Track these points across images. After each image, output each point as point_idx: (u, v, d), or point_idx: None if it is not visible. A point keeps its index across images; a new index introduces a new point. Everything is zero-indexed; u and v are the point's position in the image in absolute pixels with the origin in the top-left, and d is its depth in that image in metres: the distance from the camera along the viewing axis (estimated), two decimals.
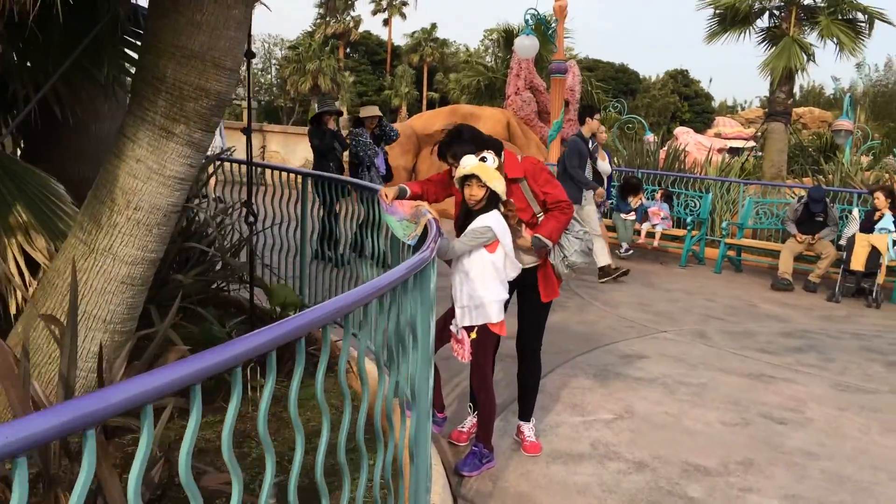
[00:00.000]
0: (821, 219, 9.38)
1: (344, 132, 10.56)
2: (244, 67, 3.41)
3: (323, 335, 1.87)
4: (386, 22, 60.08)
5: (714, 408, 4.80)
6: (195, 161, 3.26)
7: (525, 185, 3.80)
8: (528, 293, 3.88)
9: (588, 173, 8.33)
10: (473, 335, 3.61)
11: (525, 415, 4.10)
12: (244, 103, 27.26)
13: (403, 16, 59.99)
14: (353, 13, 56.55)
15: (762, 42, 12.94)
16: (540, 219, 3.91)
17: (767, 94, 13.02)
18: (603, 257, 8.78)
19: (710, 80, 64.19)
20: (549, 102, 15.75)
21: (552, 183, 3.83)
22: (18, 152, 4.98)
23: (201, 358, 1.38)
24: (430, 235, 2.92)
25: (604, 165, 9.04)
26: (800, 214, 9.43)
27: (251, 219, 3.86)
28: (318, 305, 1.82)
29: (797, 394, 5.16)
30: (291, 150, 17.55)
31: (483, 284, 3.54)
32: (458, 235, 3.63)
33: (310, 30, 56.15)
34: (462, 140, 3.76)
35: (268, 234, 5.88)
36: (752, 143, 28.37)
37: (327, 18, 55.09)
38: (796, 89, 14.52)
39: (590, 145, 8.45)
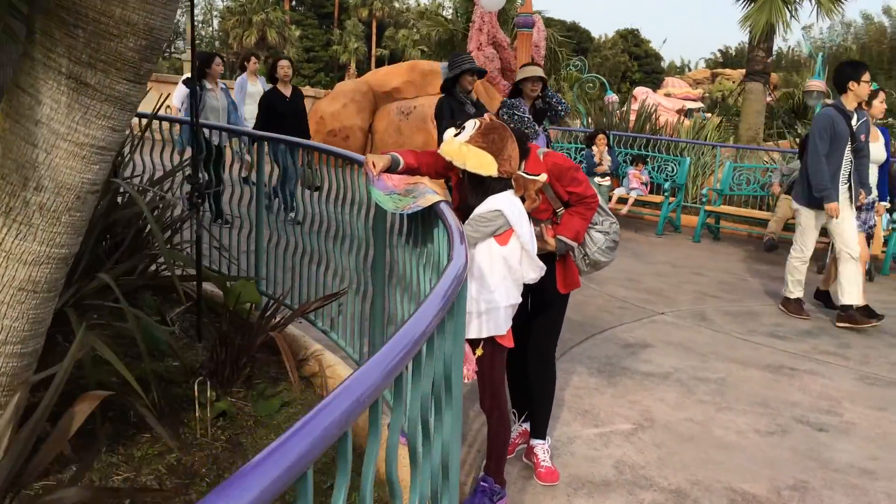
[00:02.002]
0: None
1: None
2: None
3: (372, 418, 1.12)
4: None
5: (742, 411, 4.17)
6: (119, 122, 2.41)
7: (548, 186, 3.07)
8: (540, 283, 3.08)
9: (845, 163, 5.86)
10: (479, 351, 2.85)
11: (538, 432, 3.40)
12: (185, 56, 25.50)
13: None
14: None
15: None
16: (560, 214, 3.18)
17: (746, 51, 12.43)
18: (851, 291, 5.98)
19: (664, 41, 63.66)
20: (514, 58, 14.91)
21: (577, 181, 3.11)
22: None
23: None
24: (453, 232, 2.10)
25: (877, 150, 6.56)
26: (793, 177, 8.86)
27: (198, 199, 2.99)
28: (358, 374, 1.06)
29: (826, 390, 4.57)
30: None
31: (491, 286, 2.76)
32: (462, 222, 2.85)
33: None
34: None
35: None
36: (699, 104, 28.10)
37: None
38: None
39: (853, 121, 5.87)
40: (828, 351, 5.35)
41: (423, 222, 2.78)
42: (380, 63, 54.39)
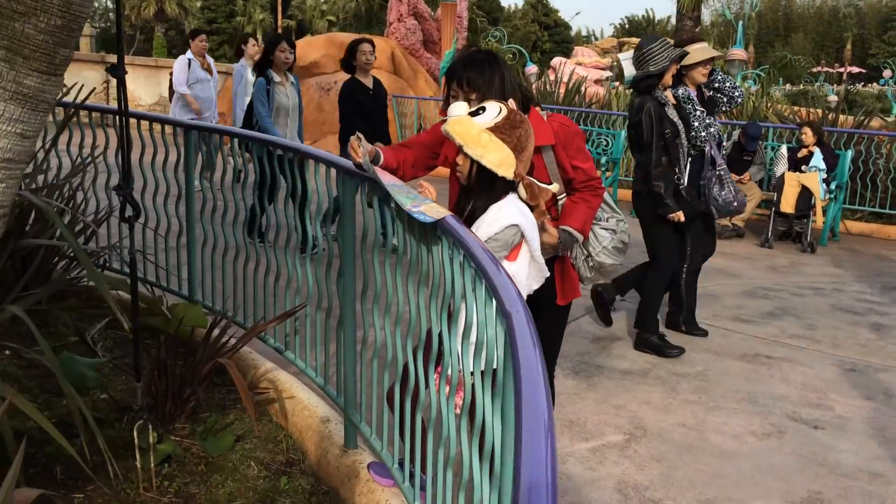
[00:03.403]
0: (748, 157, 8.78)
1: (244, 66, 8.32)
2: None
3: None
4: None
5: (733, 411, 3.91)
6: (30, 126, 1.86)
7: (551, 155, 2.62)
8: (537, 295, 2.67)
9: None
10: (473, 378, 2.42)
11: None
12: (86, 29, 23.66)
13: None
14: None
15: None
16: (561, 203, 2.76)
17: (675, 21, 12.29)
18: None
19: (577, 13, 63.80)
20: (437, 30, 14.41)
21: (584, 153, 2.69)
22: None
23: None
24: (500, 289, 1.55)
25: None
26: (728, 153, 8.76)
27: (130, 212, 2.41)
28: None
29: (808, 380, 4.37)
30: (142, 85, 15.27)
31: None
32: None
33: None
34: (475, 64, 2.53)
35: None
36: (609, 73, 28.28)
37: None
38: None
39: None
40: (796, 334, 5.18)
41: (411, 228, 2.31)
42: (286, 34, 52.63)
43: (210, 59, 9.11)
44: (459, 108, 2.40)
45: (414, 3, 14.54)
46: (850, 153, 8.64)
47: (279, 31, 52.38)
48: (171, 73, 9.12)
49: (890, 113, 15.94)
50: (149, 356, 3.31)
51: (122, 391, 3.39)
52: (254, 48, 8.87)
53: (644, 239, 4.75)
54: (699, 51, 4.54)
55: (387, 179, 2.32)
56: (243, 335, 3.42)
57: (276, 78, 6.17)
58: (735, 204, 4.80)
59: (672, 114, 4.44)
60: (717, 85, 4.73)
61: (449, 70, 2.68)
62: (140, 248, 3.41)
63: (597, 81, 22.78)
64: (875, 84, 28.68)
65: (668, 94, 4.47)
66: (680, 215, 4.46)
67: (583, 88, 12.61)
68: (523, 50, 20.62)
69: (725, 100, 4.76)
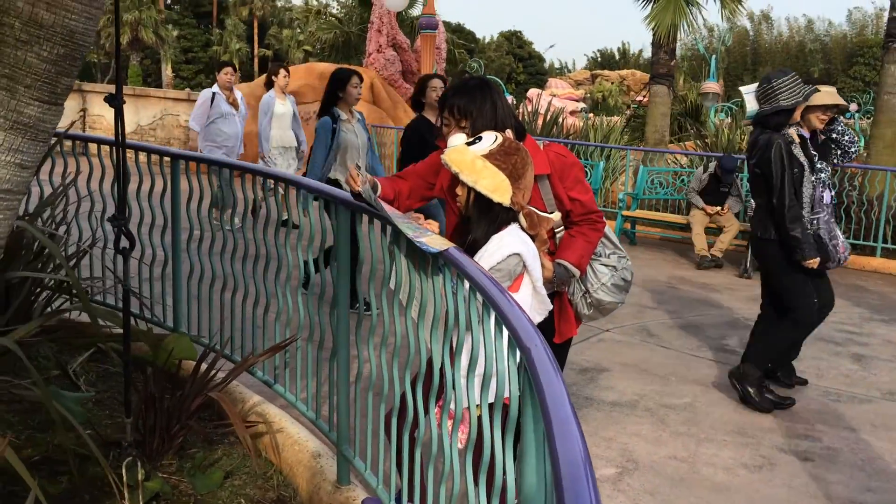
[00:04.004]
0: (726, 189, 8.89)
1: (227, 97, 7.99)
2: None
3: None
4: None
5: (722, 443, 3.91)
6: (29, 157, 1.82)
7: (546, 185, 2.62)
8: None
9: None
10: (479, 411, 2.39)
11: None
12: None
13: None
14: None
15: None
16: (559, 236, 2.76)
17: (650, 55, 12.51)
18: None
19: (552, 46, 64.89)
20: (416, 61, 14.52)
21: (583, 184, 2.68)
22: None
23: None
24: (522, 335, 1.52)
25: None
26: (705, 185, 8.88)
27: (125, 245, 2.37)
28: None
29: (795, 411, 4.38)
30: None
31: None
32: None
33: None
34: (465, 92, 2.54)
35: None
36: (582, 105, 28.70)
37: None
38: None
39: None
40: None
41: (411, 257, 2.30)
42: (263, 64, 52.72)
43: (238, 94, 8.57)
44: (458, 139, 2.42)
45: (393, 35, 14.65)
46: None
47: (256, 61, 52.47)
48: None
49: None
50: (136, 390, 3.24)
51: (107, 426, 3.31)
52: (284, 79, 8.58)
53: (769, 292, 4.45)
54: (827, 94, 4.33)
55: (387, 209, 2.31)
56: (233, 369, 3.36)
57: (343, 116, 5.66)
58: (847, 254, 4.35)
59: (799, 153, 4.11)
60: (835, 135, 4.52)
61: (441, 98, 2.70)
62: (123, 278, 3.35)
63: (572, 112, 23.09)
64: (842, 118, 29.36)
65: (793, 131, 4.18)
66: (816, 261, 4.10)
67: (560, 119, 12.74)
68: (500, 81, 20.87)
69: (840, 152, 4.53)
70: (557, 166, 2.62)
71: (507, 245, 2.25)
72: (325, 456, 3.09)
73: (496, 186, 2.23)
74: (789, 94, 4.05)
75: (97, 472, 2.94)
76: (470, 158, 2.26)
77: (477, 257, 2.26)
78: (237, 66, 49.72)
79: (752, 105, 4.23)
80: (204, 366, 3.30)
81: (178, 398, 3.14)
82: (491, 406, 1.84)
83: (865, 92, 26.90)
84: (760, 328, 4.59)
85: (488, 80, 2.68)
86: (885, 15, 10.05)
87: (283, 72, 8.61)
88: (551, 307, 2.46)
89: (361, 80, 5.89)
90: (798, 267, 4.16)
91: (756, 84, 4.24)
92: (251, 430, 3.36)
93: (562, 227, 2.73)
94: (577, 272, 2.66)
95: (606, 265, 2.78)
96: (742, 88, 4.35)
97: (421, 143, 5.25)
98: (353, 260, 2.80)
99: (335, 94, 5.64)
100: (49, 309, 3.83)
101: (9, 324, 3.26)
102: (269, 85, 8.62)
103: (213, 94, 8.31)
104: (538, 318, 2.44)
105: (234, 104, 8.45)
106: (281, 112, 8.57)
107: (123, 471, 2.73)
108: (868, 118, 19.14)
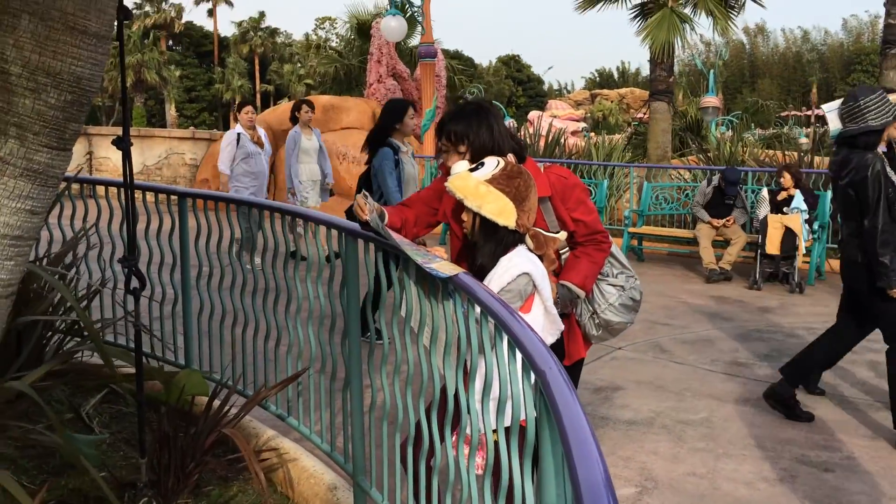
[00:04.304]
0: (730, 201, 8.89)
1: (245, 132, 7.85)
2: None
3: None
4: (210, 12, 56.54)
5: (741, 457, 3.88)
6: (39, 203, 1.85)
7: (548, 206, 2.63)
8: None
9: None
10: (495, 436, 2.39)
11: None
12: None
13: (230, 3, 56.63)
14: (173, 1, 52.67)
15: (636, 17, 12.44)
16: (564, 258, 2.76)
17: (648, 73, 12.58)
18: None
19: (550, 68, 65.41)
20: (416, 90, 14.63)
21: (586, 205, 2.68)
22: None
23: None
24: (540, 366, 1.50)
25: None
26: (710, 198, 8.88)
27: (135, 285, 2.38)
28: None
29: (811, 422, 4.35)
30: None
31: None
32: None
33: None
34: (462, 117, 2.55)
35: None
36: (583, 125, 28.81)
37: (145, 9, 50.88)
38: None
39: None
40: None
41: (420, 284, 2.31)
42: (265, 99, 53.22)
43: (261, 131, 8.53)
44: (461, 166, 2.45)
45: (392, 64, 14.79)
46: (829, 194, 8.77)
47: (258, 96, 52.93)
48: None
49: None
50: (150, 429, 3.24)
51: (122, 467, 3.31)
52: (307, 114, 8.52)
53: (868, 316, 4.24)
54: None
55: (395, 237, 2.33)
56: (245, 403, 3.36)
57: (403, 148, 5.48)
58: None
59: (890, 172, 3.92)
60: None
61: (438, 124, 2.72)
62: (134, 317, 3.37)
63: (573, 133, 23.19)
64: None
65: (879, 150, 3.99)
66: None
67: (562, 140, 12.79)
68: (501, 105, 20.99)
69: None
70: (559, 188, 2.62)
71: (517, 265, 2.27)
72: (341, 488, 3.08)
73: (501, 210, 2.25)
74: (878, 113, 3.86)
75: None
76: (473, 184, 2.29)
77: (486, 280, 2.27)
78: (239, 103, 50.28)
79: (835, 124, 4.04)
80: (217, 402, 3.30)
81: (192, 436, 3.13)
82: (507, 430, 1.84)
83: None
84: (827, 345, 4.42)
85: (484, 104, 2.69)
86: (881, 22, 10.09)
87: (305, 107, 8.59)
88: (563, 327, 2.46)
89: (416, 110, 5.74)
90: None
91: (839, 101, 4.06)
92: (265, 465, 3.35)
93: (566, 248, 2.73)
94: (581, 293, 2.66)
95: (614, 285, 2.77)
96: (824, 107, 4.15)
97: None
98: (376, 297, 2.79)
99: (391, 125, 5.43)
100: (61, 351, 3.85)
101: (21, 368, 3.28)
102: (294, 120, 8.60)
103: (238, 134, 8.26)
104: (550, 340, 2.44)
105: (258, 143, 8.41)
106: (307, 146, 8.53)
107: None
108: None
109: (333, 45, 31.35)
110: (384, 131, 5.46)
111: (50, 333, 3.85)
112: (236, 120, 8.51)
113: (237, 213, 3.86)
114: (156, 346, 4.38)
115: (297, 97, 36.75)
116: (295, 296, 3.37)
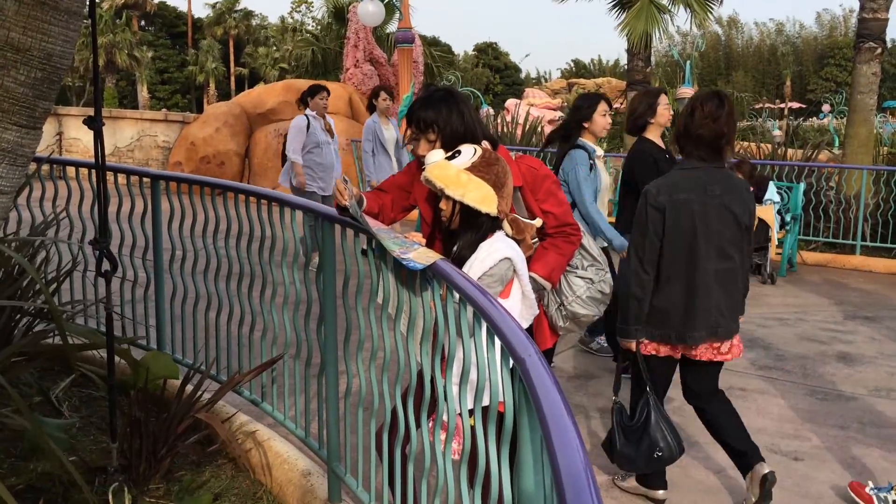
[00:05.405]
0: None
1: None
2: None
3: None
4: None
5: (713, 445, 3.90)
6: (8, 182, 1.80)
7: (519, 198, 2.61)
8: None
9: None
10: (472, 421, 2.38)
11: None
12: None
13: None
14: None
15: (614, 7, 12.45)
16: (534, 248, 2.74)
17: (625, 63, 12.60)
18: None
19: (527, 55, 65.34)
20: (393, 76, 14.55)
21: (556, 197, 2.65)
22: None
23: None
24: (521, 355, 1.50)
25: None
26: None
27: (107, 268, 2.33)
28: None
29: (783, 411, 4.41)
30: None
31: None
32: None
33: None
34: (431, 103, 2.52)
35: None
36: (560, 114, 28.85)
37: None
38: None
39: None
40: (766, 365, 5.24)
41: (398, 270, 2.29)
42: (240, 82, 52.63)
43: (331, 120, 7.71)
44: (436, 155, 2.42)
45: (370, 49, 14.68)
46: (801, 186, 8.87)
47: (233, 79, 52.32)
48: (284, 136, 7.79)
49: (833, 146, 16.49)
50: (121, 414, 3.20)
51: (92, 451, 3.26)
52: (385, 102, 7.71)
53: None
54: None
55: (373, 224, 2.30)
56: (219, 388, 3.32)
57: (598, 150, 4.72)
58: None
59: None
60: None
61: (408, 112, 2.69)
62: (104, 301, 3.31)
63: (550, 121, 23.21)
64: (815, 119, 29.70)
65: None
66: None
67: (539, 128, 12.79)
68: (478, 92, 20.96)
69: None
70: (529, 179, 2.60)
71: (498, 250, 2.27)
72: (315, 474, 3.06)
73: (483, 197, 2.24)
74: None
75: (83, 499, 2.89)
76: (454, 173, 2.27)
77: (466, 266, 2.26)
78: (213, 85, 49.63)
79: None
80: (189, 387, 3.27)
81: (164, 420, 3.10)
82: (485, 415, 1.83)
83: (837, 93, 27.25)
84: None
85: (454, 91, 2.66)
86: (854, 17, 10.20)
87: (383, 93, 7.78)
88: (538, 312, 2.46)
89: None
90: None
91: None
92: (240, 450, 3.33)
93: (536, 239, 2.72)
94: (547, 285, 2.64)
95: (583, 277, 2.74)
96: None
97: (659, 170, 4.15)
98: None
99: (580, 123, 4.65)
100: (29, 334, 3.78)
101: None
102: (371, 108, 7.85)
103: (309, 121, 7.40)
104: (525, 324, 2.43)
105: (329, 132, 7.61)
106: (388, 137, 7.80)
107: (110, 496, 2.70)
108: (841, 118, 19.44)
109: (310, 28, 31.01)
110: (569, 133, 4.65)
111: (19, 316, 3.78)
112: (306, 106, 7.50)
113: (156, 186, 3.73)
114: (127, 329, 4.32)
115: (271, 81, 36.33)
116: (270, 280, 3.34)
